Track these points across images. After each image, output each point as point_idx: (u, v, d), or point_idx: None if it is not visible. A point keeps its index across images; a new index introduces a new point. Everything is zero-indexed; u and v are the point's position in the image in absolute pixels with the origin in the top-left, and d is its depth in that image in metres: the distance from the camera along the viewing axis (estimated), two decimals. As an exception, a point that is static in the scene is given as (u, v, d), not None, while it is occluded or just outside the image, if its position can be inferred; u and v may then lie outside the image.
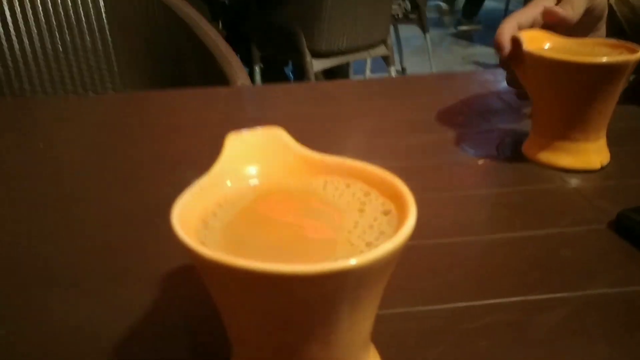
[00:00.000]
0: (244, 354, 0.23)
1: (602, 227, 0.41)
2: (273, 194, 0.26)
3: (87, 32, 1.14)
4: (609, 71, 0.45)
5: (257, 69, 2.44)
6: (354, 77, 2.84)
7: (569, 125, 0.49)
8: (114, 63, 1.16)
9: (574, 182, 0.48)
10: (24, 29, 1.09)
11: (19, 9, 1.08)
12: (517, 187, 0.47)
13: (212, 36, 1.06)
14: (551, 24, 0.53)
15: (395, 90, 0.78)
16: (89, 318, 0.33)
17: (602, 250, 0.38)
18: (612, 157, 0.51)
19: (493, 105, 0.68)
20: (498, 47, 0.51)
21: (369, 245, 0.21)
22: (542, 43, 0.51)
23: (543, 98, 0.50)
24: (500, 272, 0.36)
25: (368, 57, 2.64)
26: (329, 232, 0.23)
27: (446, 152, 0.55)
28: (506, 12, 4.50)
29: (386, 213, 0.23)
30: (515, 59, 0.50)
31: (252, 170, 0.26)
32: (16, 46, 1.08)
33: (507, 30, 0.51)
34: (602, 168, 0.49)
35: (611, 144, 0.51)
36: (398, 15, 3.09)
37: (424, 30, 3.13)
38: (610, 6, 0.58)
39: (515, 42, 0.50)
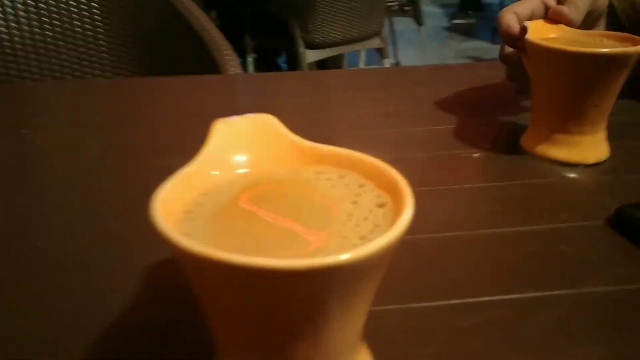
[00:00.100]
0: (227, 352, 0.22)
1: (600, 223, 0.40)
2: (262, 184, 0.24)
3: (76, 17, 1.12)
4: (609, 62, 0.44)
5: (250, 59, 2.42)
6: (349, 68, 2.83)
7: (565, 118, 0.48)
8: (103, 49, 1.13)
9: (572, 176, 0.47)
10: (12, 12, 1.06)
11: (6, -8, 1.06)
12: (513, 181, 0.46)
13: (204, 24, 1.04)
14: (555, 23, 0.52)
15: (389, 81, 0.77)
16: (66, 313, 0.31)
17: (600, 246, 0.38)
18: (611, 151, 0.50)
19: (490, 98, 0.67)
20: (506, 32, 0.51)
21: (363, 238, 0.20)
22: (549, 33, 0.51)
23: (541, 89, 0.49)
24: (495, 268, 0.35)
25: (362, 49, 2.63)
26: (320, 225, 0.21)
27: (441, 144, 0.54)
28: (501, 7, 4.49)
29: (381, 205, 0.22)
30: (523, 49, 0.49)
31: (240, 158, 0.25)
32: (3, 31, 1.06)
33: (508, 18, 0.51)
34: (598, 163, 0.49)
35: (611, 138, 0.50)
36: (393, 7, 3.07)
37: (419, 23, 3.12)
38: (610, 2, 0.58)
39: (523, 31, 0.49)
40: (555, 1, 0.54)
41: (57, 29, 1.11)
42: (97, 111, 0.65)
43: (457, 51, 4.15)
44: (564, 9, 0.51)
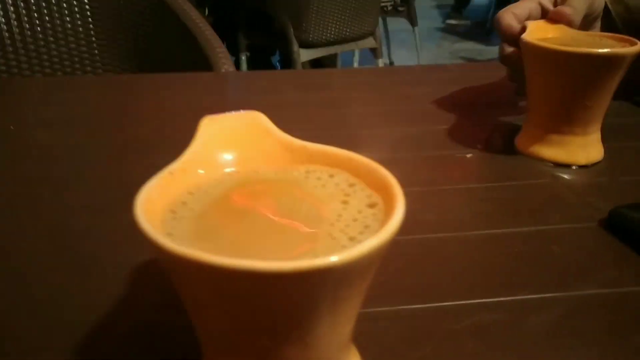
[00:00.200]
0: (214, 355, 0.22)
1: (594, 224, 0.39)
2: (250, 183, 0.24)
3: (66, 13, 1.10)
4: (602, 63, 0.44)
5: (243, 58, 2.40)
6: (342, 68, 2.82)
7: (558, 118, 0.48)
8: (93, 45, 1.12)
9: (565, 177, 0.47)
10: (1, 8, 1.05)
11: (-5, -13, 1.04)
12: (506, 182, 0.46)
13: (196, 20, 1.03)
14: (555, 23, 0.53)
15: (382, 80, 0.76)
16: (50, 313, 0.31)
17: (593, 248, 0.37)
18: (605, 153, 0.50)
19: (484, 98, 0.67)
20: (507, 32, 0.51)
21: (352, 240, 0.19)
22: (548, 34, 0.51)
23: (536, 89, 0.49)
24: (488, 270, 0.35)
25: (356, 49, 2.62)
26: (309, 225, 0.21)
27: (434, 144, 0.53)
28: (494, 9, 4.50)
29: (372, 206, 0.21)
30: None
31: (227, 156, 0.24)
32: (-8, 25, 1.04)
33: (508, 18, 0.51)
34: (592, 164, 0.48)
35: (604, 139, 0.50)
36: (387, 7, 3.07)
37: (413, 23, 3.12)
38: (605, 5, 0.58)
39: (524, 31, 0.49)
40: (551, 3, 0.54)
41: (47, 24, 1.10)
42: (87, 108, 0.64)
43: (450, 52, 4.16)
44: (566, 9, 0.52)
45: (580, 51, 0.44)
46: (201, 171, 0.24)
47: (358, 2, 2.20)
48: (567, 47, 0.44)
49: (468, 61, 3.95)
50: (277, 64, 2.84)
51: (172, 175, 0.22)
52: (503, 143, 0.53)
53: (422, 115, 0.61)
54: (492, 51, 4.13)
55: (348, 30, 2.23)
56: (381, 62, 2.57)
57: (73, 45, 1.12)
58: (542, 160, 0.49)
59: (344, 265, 0.17)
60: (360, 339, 0.25)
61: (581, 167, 0.48)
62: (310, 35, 2.13)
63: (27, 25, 1.08)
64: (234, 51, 2.44)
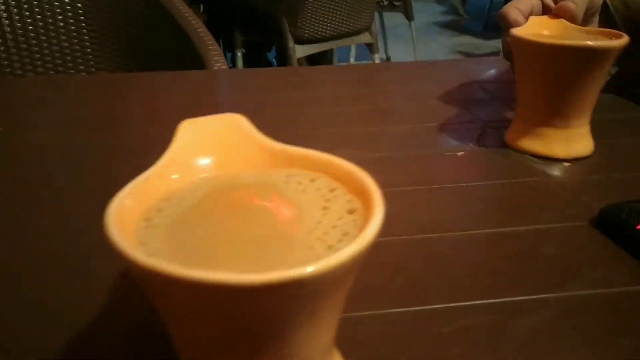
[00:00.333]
0: (191, 366, 0.21)
1: (584, 223, 0.39)
2: (229, 188, 0.23)
3: (58, 11, 1.09)
4: (586, 56, 0.44)
5: (239, 54, 2.39)
6: (338, 64, 2.81)
7: (545, 112, 0.48)
8: (86, 44, 1.11)
9: (556, 175, 0.46)
10: (-8, 6, 1.04)
11: (-16, -14, 1.04)
12: (497, 180, 0.46)
13: (189, 18, 1.02)
14: (558, 18, 0.53)
15: (376, 77, 0.76)
16: (49, 313, 0.30)
17: (584, 248, 0.37)
18: (596, 149, 0.49)
19: (476, 95, 0.66)
20: (511, 26, 0.51)
21: (330, 248, 0.19)
22: (546, 29, 0.51)
23: (524, 83, 0.50)
24: (477, 271, 0.34)
25: (352, 44, 2.61)
26: (287, 233, 0.20)
27: (425, 142, 0.53)
28: (491, 4, 4.49)
29: (351, 212, 0.21)
30: None
31: (206, 161, 0.24)
32: (-18, 25, 1.04)
33: (514, 13, 0.52)
34: (581, 158, 0.48)
35: (595, 135, 0.50)
36: (383, 2, 3.05)
37: (409, 18, 3.10)
38: (604, 1, 0.58)
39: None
40: None
41: (40, 23, 1.09)
42: (80, 108, 0.63)
43: (447, 46, 4.15)
44: (570, 4, 0.52)
45: (564, 44, 0.44)
46: (179, 176, 0.23)
47: (353, -3, 2.19)
48: (552, 40, 0.45)
49: (465, 55, 3.94)
50: (274, 60, 2.82)
51: (148, 181, 0.22)
52: (495, 139, 0.53)
53: (412, 113, 0.60)
54: (490, 45, 4.12)
55: (344, 25, 2.22)
56: (377, 58, 2.56)
57: (65, 44, 1.11)
58: (525, 154, 0.49)
59: (317, 277, 0.16)
60: (344, 344, 0.25)
61: (564, 160, 0.48)
62: (306, 31, 2.12)
63: (19, 24, 1.07)
64: (230, 48, 2.43)
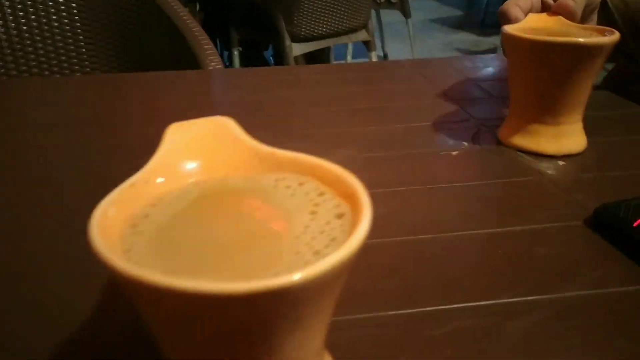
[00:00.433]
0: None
1: (579, 223, 0.39)
2: (216, 193, 0.23)
3: (53, 12, 1.09)
4: (576, 52, 0.44)
5: (236, 53, 2.39)
6: (335, 62, 2.81)
7: (536, 108, 0.48)
8: (81, 44, 1.11)
9: (550, 174, 0.46)
10: (-15, 7, 1.03)
11: (-22, -14, 1.03)
12: (491, 180, 0.45)
13: (184, 17, 1.02)
14: (557, 15, 0.54)
15: (371, 76, 0.76)
16: (48, 313, 0.30)
17: (578, 248, 0.37)
18: (590, 147, 0.49)
19: (471, 93, 0.66)
20: (506, 19, 0.52)
21: (317, 254, 0.19)
22: (542, 25, 0.51)
23: (515, 80, 0.50)
24: (470, 273, 0.34)
25: (349, 42, 2.61)
26: (274, 239, 0.20)
27: (420, 142, 0.52)
28: (489, 0, 4.48)
29: (340, 216, 0.21)
30: None
31: (194, 165, 0.24)
32: (-24, 26, 1.03)
33: (515, 11, 0.52)
34: (572, 155, 0.48)
35: (589, 133, 0.50)
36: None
37: (406, 15, 3.10)
38: None
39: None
40: None
41: (34, 23, 1.09)
42: (77, 107, 0.63)
43: (445, 43, 4.14)
44: (568, 1, 0.52)
45: (552, 40, 0.44)
46: (166, 181, 0.23)
47: (350, -6, 2.19)
48: (540, 37, 0.45)
49: (463, 52, 3.93)
50: (271, 58, 2.82)
51: (134, 187, 0.21)
52: (490, 138, 0.52)
53: (407, 112, 0.60)
54: (488, 42, 4.12)
55: (340, 23, 2.21)
56: (375, 55, 2.55)
57: (60, 44, 1.11)
58: (516, 150, 0.49)
59: (302, 285, 0.16)
60: (335, 348, 0.25)
61: (554, 157, 0.48)
62: (302, 29, 2.11)
63: (13, 25, 1.07)
64: (227, 47, 2.42)
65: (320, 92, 0.67)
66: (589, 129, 0.50)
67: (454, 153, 0.50)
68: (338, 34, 2.25)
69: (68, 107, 0.63)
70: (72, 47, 1.12)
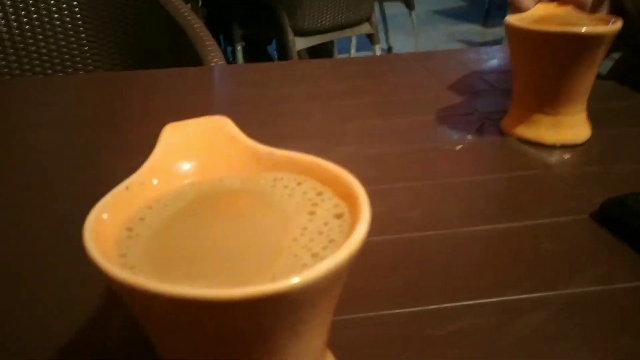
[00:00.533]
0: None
1: (585, 217, 0.38)
2: (213, 195, 0.23)
3: (55, 10, 1.09)
4: (577, 42, 0.44)
5: (239, 48, 2.38)
6: (339, 56, 2.79)
7: (538, 98, 0.48)
8: (83, 42, 1.11)
9: (555, 167, 0.45)
10: (-13, 7, 1.03)
11: (-21, -14, 1.03)
12: (496, 175, 0.45)
13: (186, 14, 1.02)
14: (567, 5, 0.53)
15: (374, 69, 0.75)
16: (48, 313, 0.30)
17: (584, 243, 0.36)
18: (595, 139, 0.49)
19: (475, 86, 0.65)
20: (517, 8, 0.51)
21: (315, 256, 0.18)
22: (550, 14, 0.51)
23: (518, 69, 0.49)
24: (474, 270, 0.34)
25: (352, 36, 2.59)
26: (272, 241, 0.20)
27: (422, 136, 0.52)
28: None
29: (338, 216, 0.20)
30: None
31: (190, 166, 0.23)
32: (-22, 25, 1.03)
33: (526, 0, 0.52)
34: (557, 145, 0.48)
35: (595, 125, 0.49)
36: (383, -8, 3.03)
37: (410, 7, 3.08)
38: None
39: None
40: None
41: (36, 22, 1.08)
42: (77, 106, 0.63)
43: (448, 35, 4.11)
44: None
45: (550, 30, 0.44)
46: (162, 183, 0.22)
47: (353, -12, 2.17)
48: (539, 26, 0.44)
49: (467, 44, 3.91)
50: (274, 53, 2.81)
51: (129, 189, 0.21)
52: (494, 131, 0.52)
53: (410, 106, 0.59)
54: (492, 33, 4.09)
55: (343, 16, 2.20)
56: (379, 48, 2.54)
57: (63, 43, 1.11)
58: (517, 140, 0.49)
59: (299, 289, 0.16)
60: (337, 347, 0.24)
61: (564, 147, 0.48)
62: (305, 24, 2.10)
63: (15, 24, 1.07)
64: (230, 42, 2.42)
65: (322, 87, 0.67)
66: (594, 120, 0.49)
67: (458, 147, 0.49)
68: (341, 28, 2.24)
69: (68, 106, 0.63)
70: (74, 46, 1.12)
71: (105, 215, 0.19)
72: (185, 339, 0.17)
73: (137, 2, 1.06)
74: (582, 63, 0.45)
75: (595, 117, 0.49)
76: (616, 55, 0.74)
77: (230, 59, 2.47)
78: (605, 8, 0.58)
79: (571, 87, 0.46)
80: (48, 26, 1.10)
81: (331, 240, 0.19)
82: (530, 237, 0.36)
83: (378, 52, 2.51)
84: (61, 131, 0.55)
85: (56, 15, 1.10)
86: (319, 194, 0.22)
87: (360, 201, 0.19)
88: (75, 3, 1.09)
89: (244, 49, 2.40)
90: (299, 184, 0.23)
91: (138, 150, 0.49)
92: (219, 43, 0.95)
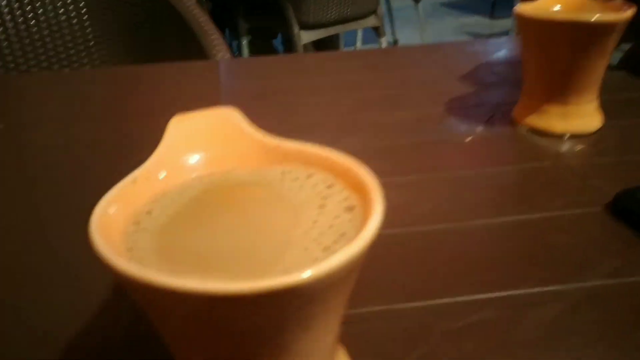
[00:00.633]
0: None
1: (599, 209, 0.37)
2: (221, 187, 0.22)
3: (60, 5, 1.09)
4: (580, 31, 0.43)
5: (244, 42, 2.37)
6: (345, 49, 2.78)
7: (539, 86, 0.48)
8: (89, 37, 1.11)
9: (567, 159, 0.45)
10: (-7, 2, 1.03)
11: (-16, -19, 1.03)
12: (506, 167, 0.44)
13: (191, 8, 1.01)
14: None
15: (380, 62, 0.74)
16: (47, 313, 0.30)
17: (598, 235, 0.35)
18: (607, 130, 0.48)
19: (483, 78, 0.64)
20: None
21: (326, 250, 0.18)
22: (564, 3, 0.50)
23: (528, 59, 0.49)
24: (487, 263, 0.33)
25: (358, 29, 2.58)
26: (282, 235, 0.19)
27: (431, 129, 0.51)
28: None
29: (349, 209, 0.20)
30: None
31: (197, 159, 0.23)
32: (-16, 21, 1.03)
33: None
34: (566, 135, 0.48)
35: (607, 116, 0.48)
36: (389, -16, 3.01)
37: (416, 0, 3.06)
38: None
39: None
40: None
41: (42, 17, 1.08)
42: (83, 101, 0.63)
43: (455, 27, 4.09)
44: None
45: (557, 19, 0.43)
46: (169, 176, 0.22)
47: (358, -20, 2.16)
48: (546, 15, 0.44)
49: (473, 36, 3.88)
50: (280, 46, 2.80)
51: (136, 183, 0.21)
52: (505, 123, 0.51)
53: (418, 98, 0.59)
54: (499, 25, 4.06)
55: (349, 9, 2.19)
56: (385, 41, 2.52)
57: (68, 38, 1.10)
58: (528, 129, 0.49)
59: (310, 283, 0.15)
60: (350, 342, 0.24)
61: (575, 136, 0.47)
62: (311, 17, 2.09)
63: (21, 19, 1.07)
64: (235, 36, 2.41)
65: (329, 80, 0.66)
66: (606, 111, 0.48)
67: (468, 139, 0.49)
68: (347, 21, 2.22)
69: (74, 101, 0.63)
70: (80, 41, 1.12)
71: (112, 209, 0.19)
72: (194, 333, 0.17)
73: (142, -3, 1.06)
74: (593, 51, 0.44)
75: (606, 108, 0.49)
76: (626, 47, 0.73)
77: (236, 53, 2.46)
78: None
79: (582, 76, 0.46)
80: (54, 21, 1.10)
81: (342, 234, 0.19)
82: (543, 230, 0.36)
83: (384, 45, 2.50)
84: (68, 126, 0.55)
85: (62, 10, 1.09)
86: (330, 186, 0.21)
87: (373, 194, 0.19)
88: (80, -3, 1.09)
89: (250, 43, 2.40)
90: (309, 176, 0.22)
91: (144, 144, 0.49)
92: (224, 37, 0.95)
